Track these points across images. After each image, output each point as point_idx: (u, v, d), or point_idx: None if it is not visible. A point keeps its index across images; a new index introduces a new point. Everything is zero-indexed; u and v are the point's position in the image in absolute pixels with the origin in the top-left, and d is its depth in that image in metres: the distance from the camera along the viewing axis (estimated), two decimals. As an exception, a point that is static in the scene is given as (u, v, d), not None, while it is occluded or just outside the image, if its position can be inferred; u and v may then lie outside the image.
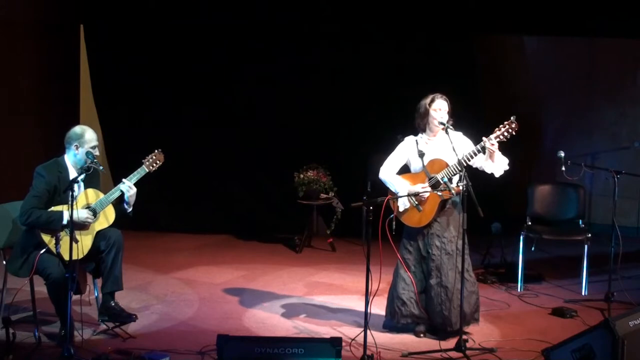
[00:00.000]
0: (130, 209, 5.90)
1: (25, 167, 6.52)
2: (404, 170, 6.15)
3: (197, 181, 9.42)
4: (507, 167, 5.97)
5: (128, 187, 5.81)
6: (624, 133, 9.69)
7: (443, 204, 5.98)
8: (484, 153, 5.86)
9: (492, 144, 5.77)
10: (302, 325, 6.31)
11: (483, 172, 6.01)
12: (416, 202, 5.94)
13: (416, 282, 6.04)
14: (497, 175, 5.98)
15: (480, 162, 5.93)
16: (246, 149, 9.40)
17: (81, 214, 5.67)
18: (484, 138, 5.82)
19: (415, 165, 6.07)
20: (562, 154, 6.87)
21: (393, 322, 6.13)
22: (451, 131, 5.90)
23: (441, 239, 5.98)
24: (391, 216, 5.89)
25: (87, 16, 9.41)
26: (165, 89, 9.33)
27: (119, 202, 5.86)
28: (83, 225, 5.70)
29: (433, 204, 5.96)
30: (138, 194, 5.88)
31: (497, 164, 5.92)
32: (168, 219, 9.39)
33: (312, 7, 9.18)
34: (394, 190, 6.03)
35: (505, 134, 5.83)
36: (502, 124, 5.86)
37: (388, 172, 6.09)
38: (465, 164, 5.79)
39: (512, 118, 5.84)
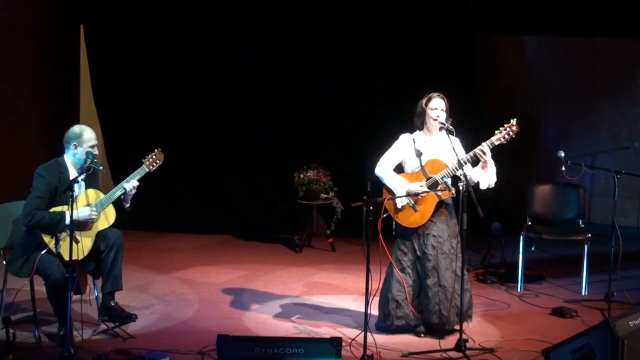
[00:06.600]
0: (128, 205, 5.92)
1: (25, 167, 6.51)
2: (399, 168, 6.13)
3: (197, 181, 9.42)
4: (493, 184, 5.93)
5: (132, 186, 5.82)
6: (624, 133, 9.68)
7: (440, 204, 5.97)
8: (476, 164, 5.85)
9: (484, 153, 5.76)
10: (302, 325, 6.31)
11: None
12: (412, 202, 5.93)
13: (410, 283, 6.04)
14: (482, 186, 5.92)
15: (470, 169, 5.90)
16: (246, 149, 9.39)
17: (84, 211, 5.67)
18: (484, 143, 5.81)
19: (412, 164, 6.05)
20: (562, 154, 6.87)
21: (387, 324, 6.09)
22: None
23: (437, 239, 5.97)
24: (385, 215, 5.88)
25: (87, 16, 9.41)
26: (165, 89, 9.32)
27: (117, 199, 5.86)
28: (87, 224, 5.69)
29: (430, 205, 5.95)
30: (138, 193, 5.90)
31: (487, 175, 5.88)
32: (168, 219, 9.39)
33: (312, 7, 9.19)
34: (390, 187, 6.01)
35: (507, 136, 5.81)
36: (503, 126, 5.83)
37: (384, 169, 6.07)
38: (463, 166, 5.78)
39: (512, 121, 5.80)
